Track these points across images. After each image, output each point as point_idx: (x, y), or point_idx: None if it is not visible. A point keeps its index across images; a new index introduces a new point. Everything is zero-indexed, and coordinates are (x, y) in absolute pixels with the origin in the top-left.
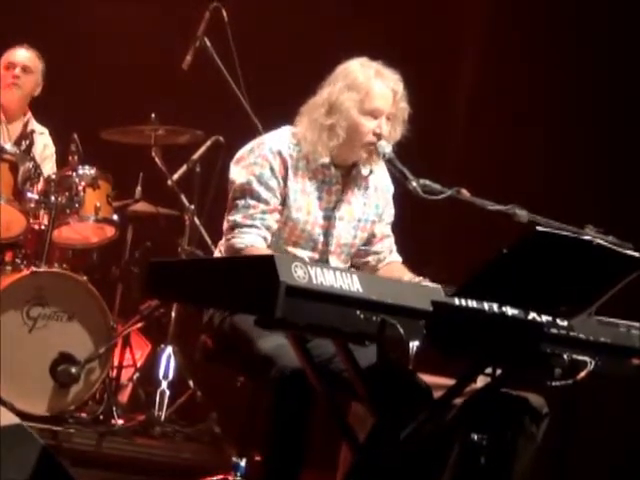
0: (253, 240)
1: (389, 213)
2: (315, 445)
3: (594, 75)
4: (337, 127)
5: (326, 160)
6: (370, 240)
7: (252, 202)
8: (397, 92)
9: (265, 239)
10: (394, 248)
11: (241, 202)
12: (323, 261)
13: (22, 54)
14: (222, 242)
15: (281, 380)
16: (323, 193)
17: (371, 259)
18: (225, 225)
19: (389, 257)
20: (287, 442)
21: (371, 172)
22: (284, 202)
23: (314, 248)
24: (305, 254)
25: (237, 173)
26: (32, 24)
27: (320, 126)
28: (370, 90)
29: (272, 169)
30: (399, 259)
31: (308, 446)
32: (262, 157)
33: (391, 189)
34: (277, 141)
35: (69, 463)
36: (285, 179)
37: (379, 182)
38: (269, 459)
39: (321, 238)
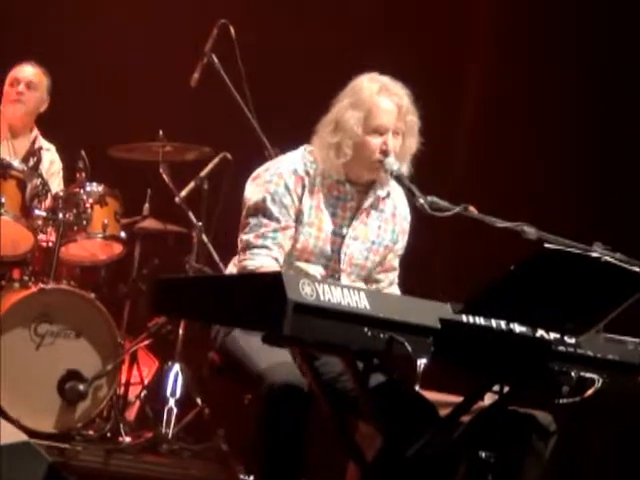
0: (264, 261)
1: (402, 244)
2: (322, 463)
3: (603, 99)
4: (343, 145)
5: (340, 177)
6: (376, 266)
7: (264, 220)
8: (402, 106)
9: (277, 260)
10: (396, 281)
11: (253, 220)
12: (334, 279)
13: (27, 70)
14: (235, 260)
15: (271, 395)
16: (338, 209)
17: (369, 286)
18: (239, 245)
19: (387, 289)
20: (280, 459)
21: (388, 194)
22: (298, 219)
23: (326, 265)
24: (317, 270)
25: (252, 191)
26: (40, 41)
27: (327, 145)
28: (372, 107)
29: (287, 187)
30: (397, 292)
31: (304, 462)
32: (277, 175)
33: (409, 218)
34: (293, 160)
35: None
36: (301, 197)
37: (398, 208)
38: (263, 477)
39: (333, 255)
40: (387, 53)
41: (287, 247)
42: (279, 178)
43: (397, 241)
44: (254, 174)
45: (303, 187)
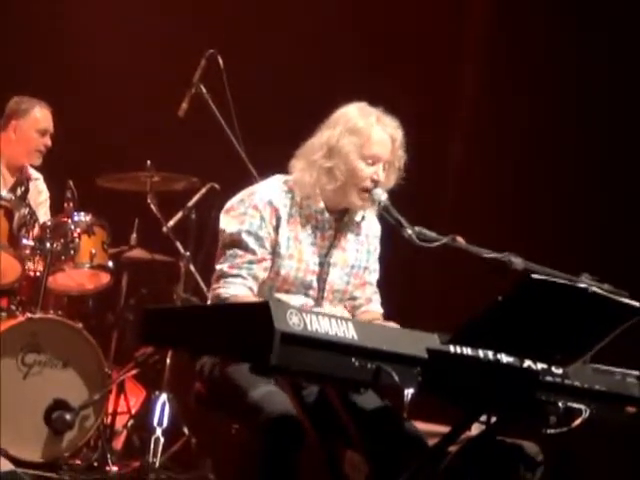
0: (238, 290)
1: (374, 260)
2: None
3: (594, 128)
4: (336, 170)
5: (320, 205)
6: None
7: (240, 252)
8: (396, 140)
9: (251, 289)
10: (375, 298)
11: (229, 252)
12: (316, 307)
13: (51, 120)
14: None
15: (270, 426)
16: (317, 239)
17: (347, 304)
18: (213, 275)
19: (367, 306)
20: None
21: (363, 218)
22: (275, 251)
23: (307, 294)
24: (298, 300)
25: (227, 223)
26: (29, 72)
27: (319, 168)
28: (371, 136)
29: (262, 218)
30: (380, 310)
31: None
32: (252, 207)
33: (379, 234)
34: (268, 190)
35: None
36: (276, 228)
37: (370, 229)
38: None
39: (314, 284)
40: (385, 82)
41: (261, 278)
42: (254, 210)
43: (370, 259)
44: (228, 205)
45: (278, 218)
